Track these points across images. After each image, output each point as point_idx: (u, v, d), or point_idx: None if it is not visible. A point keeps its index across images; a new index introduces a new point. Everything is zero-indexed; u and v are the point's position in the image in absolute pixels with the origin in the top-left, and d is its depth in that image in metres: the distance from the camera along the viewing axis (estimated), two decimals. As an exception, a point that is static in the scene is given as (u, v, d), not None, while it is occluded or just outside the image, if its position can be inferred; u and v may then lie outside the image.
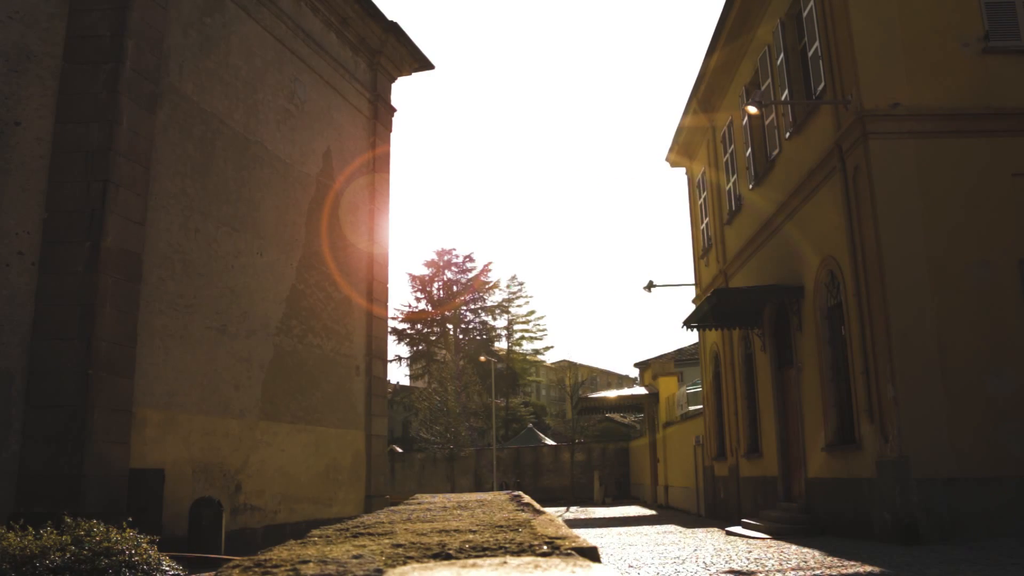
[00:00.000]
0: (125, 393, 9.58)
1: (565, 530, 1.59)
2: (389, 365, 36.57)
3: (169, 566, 5.42)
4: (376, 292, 16.32)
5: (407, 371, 57.42)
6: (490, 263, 61.04)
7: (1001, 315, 10.76)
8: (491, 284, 55.81)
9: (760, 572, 9.11)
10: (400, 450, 43.76)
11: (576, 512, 27.68)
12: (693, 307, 20.41)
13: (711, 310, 15.84)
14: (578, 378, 52.17)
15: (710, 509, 21.14)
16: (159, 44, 10.66)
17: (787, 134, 14.50)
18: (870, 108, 11.19)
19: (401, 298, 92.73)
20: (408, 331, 54.21)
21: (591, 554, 1.26)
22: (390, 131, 17.35)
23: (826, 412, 12.79)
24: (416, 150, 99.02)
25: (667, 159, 23.63)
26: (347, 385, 15.17)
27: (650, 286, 23.05)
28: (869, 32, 11.49)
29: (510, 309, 56.39)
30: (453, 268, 55.57)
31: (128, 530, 5.41)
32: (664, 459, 29.61)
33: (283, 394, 13.07)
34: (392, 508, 3.09)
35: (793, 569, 9.05)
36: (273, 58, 13.47)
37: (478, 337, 55.34)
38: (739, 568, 9.65)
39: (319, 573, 1.12)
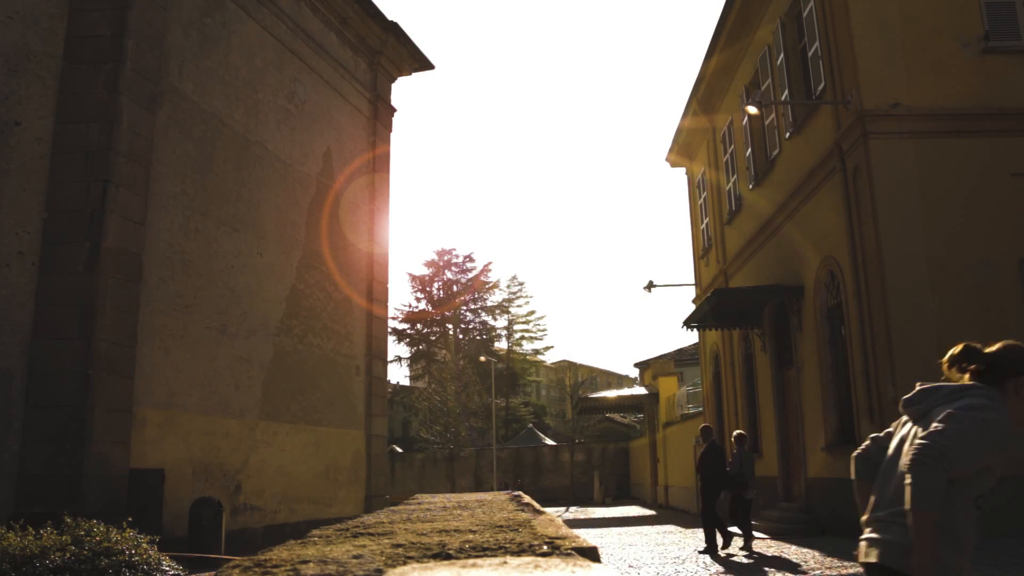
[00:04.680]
0: (125, 393, 9.58)
1: (565, 530, 1.59)
2: (389, 365, 36.53)
3: (169, 566, 5.42)
4: (376, 292, 16.32)
5: (407, 371, 57.41)
6: (490, 263, 61.09)
7: (1001, 315, 10.76)
8: (491, 284, 55.79)
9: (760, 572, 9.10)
10: (400, 450, 43.75)
11: (576, 512, 27.67)
12: (693, 307, 20.42)
13: (711, 310, 15.84)
14: (578, 378, 52.10)
15: (710, 509, 21.11)
16: (159, 44, 10.66)
17: (787, 134, 14.50)
18: (870, 108, 11.20)
19: (401, 298, 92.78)
20: (408, 331, 54.18)
21: (591, 554, 1.26)
22: (390, 131, 17.35)
23: (826, 412, 12.79)
24: (416, 150, 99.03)
25: (667, 159, 23.64)
26: (347, 385, 15.17)
27: (650, 286, 23.06)
28: (869, 32, 11.49)
29: (510, 309, 56.37)
30: (453, 268, 55.54)
31: (128, 530, 5.41)
32: (664, 459, 29.61)
33: (283, 394, 13.07)
34: (392, 508, 3.09)
35: (793, 569, 9.05)
36: (273, 58, 13.47)
37: (478, 337, 55.31)
38: (739, 568, 9.64)
39: (319, 573, 1.12)
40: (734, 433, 12.25)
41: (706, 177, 20.99)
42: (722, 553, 11.38)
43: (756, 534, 13.67)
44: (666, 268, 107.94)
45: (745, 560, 10.61)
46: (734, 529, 12.02)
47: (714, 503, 11.51)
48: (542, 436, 43.72)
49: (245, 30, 12.74)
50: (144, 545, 5.33)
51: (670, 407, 28.86)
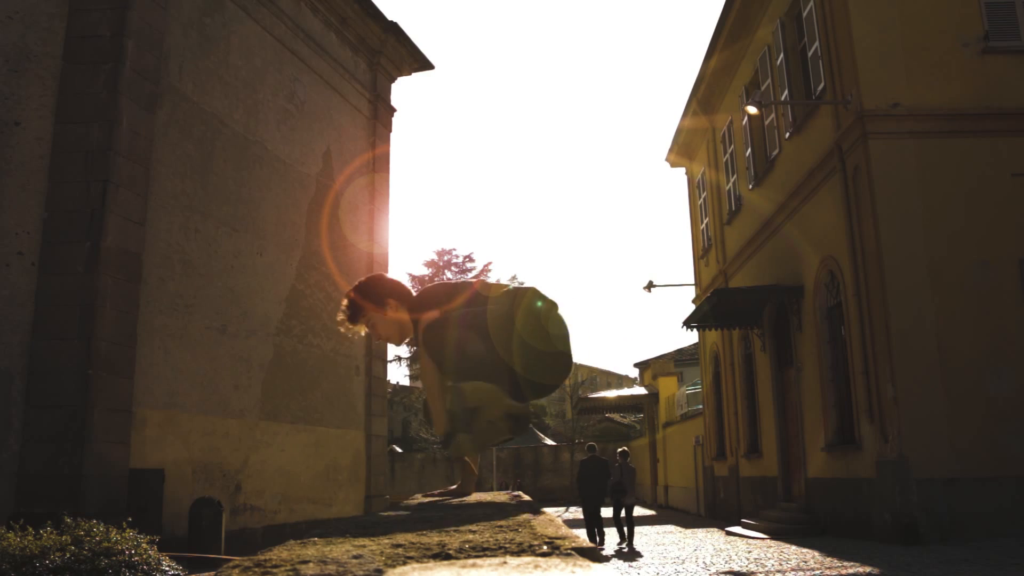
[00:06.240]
0: (125, 393, 9.57)
1: (565, 530, 1.59)
2: (389, 365, 36.50)
3: (169, 566, 5.42)
4: (376, 292, 16.28)
5: (407, 371, 57.34)
6: (490, 263, 60.82)
7: (1001, 315, 10.76)
8: (491, 284, 55.69)
9: (760, 572, 9.11)
10: (400, 450, 43.74)
11: (576, 512, 27.67)
12: (693, 307, 20.42)
13: (711, 310, 15.85)
14: (578, 378, 52.06)
15: (710, 509, 21.15)
16: (159, 44, 10.65)
17: (787, 134, 14.50)
18: (870, 108, 11.20)
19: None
20: (408, 331, 54.06)
21: (591, 554, 1.26)
22: (390, 131, 17.34)
23: (826, 412, 12.80)
24: (416, 150, 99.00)
25: (667, 159, 23.64)
26: (347, 385, 15.17)
27: (650, 286, 23.06)
28: (869, 32, 11.49)
29: (510, 309, 56.26)
30: (453, 268, 55.47)
31: (128, 530, 5.40)
32: (664, 459, 29.63)
33: (283, 394, 13.07)
34: (392, 508, 3.09)
35: (793, 569, 9.05)
36: (273, 58, 13.47)
37: (478, 337, 55.21)
38: (739, 568, 9.66)
39: (319, 573, 1.12)
40: (619, 449, 14.98)
41: (706, 177, 20.99)
42: (606, 549, 13.16)
43: (756, 534, 13.74)
44: (666, 268, 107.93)
45: (626, 550, 12.88)
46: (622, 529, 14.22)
47: (595, 506, 13.67)
48: (542, 436, 43.72)
49: (245, 30, 12.74)
50: (144, 545, 5.33)
51: (670, 407, 28.87)
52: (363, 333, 3.08)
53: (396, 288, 3.03)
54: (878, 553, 9.56)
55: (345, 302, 3.01)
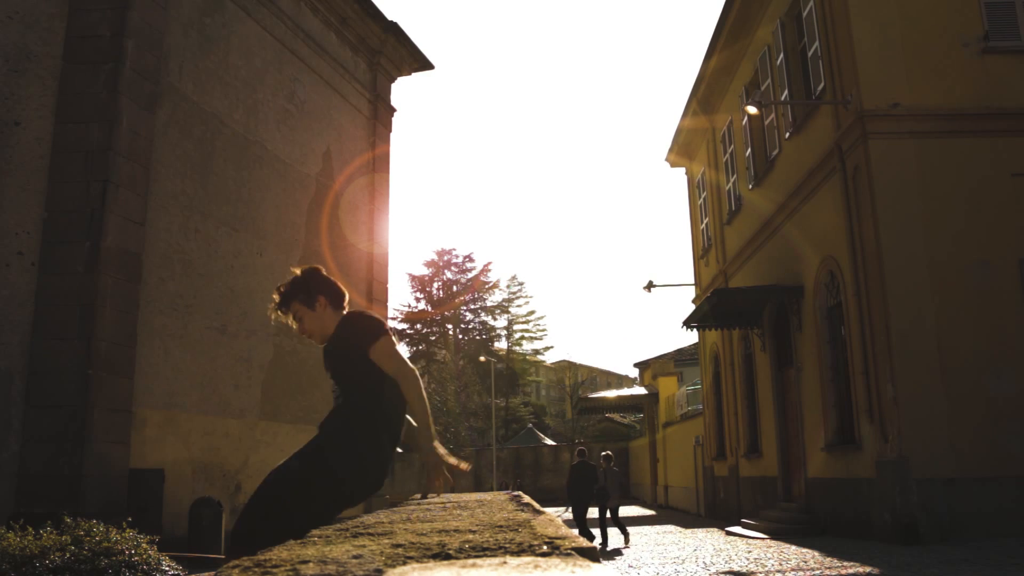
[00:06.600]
0: (125, 393, 9.58)
1: (565, 530, 1.59)
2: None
3: (169, 566, 5.41)
4: (376, 292, 16.31)
5: (407, 371, 57.24)
6: (490, 263, 60.99)
7: (1001, 315, 10.76)
8: (491, 284, 55.75)
9: (760, 572, 9.11)
10: (400, 450, 43.67)
11: (576, 512, 27.67)
12: (693, 307, 20.41)
13: (711, 310, 15.84)
14: (578, 378, 52.23)
15: (710, 509, 21.14)
16: (159, 44, 10.66)
17: (787, 134, 14.50)
18: (870, 108, 11.19)
19: (401, 298, 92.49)
20: (408, 331, 54.15)
21: (591, 554, 1.26)
22: (390, 131, 17.35)
23: (826, 412, 12.79)
24: (416, 150, 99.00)
25: (667, 159, 23.63)
26: (347, 385, 15.17)
27: (650, 286, 23.05)
28: (869, 32, 11.49)
29: (510, 309, 56.33)
30: (453, 268, 55.52)
31: (128, 530, 5.40)
32: (664, 459, 29.63)
33: (283, 394, 13.07)
34: (392, 508, 3.09)
35: (793, 569, 9.05)
36: (273, 58, 13.47)
37: (478, 337, 55.29)
38: (739, 568, 9.66)
39: (319, 573, 1.12)
40: (602, 453, 15.35)
41: (706, 177, 20.99)
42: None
43: (756, 534, 13.76)
44: (666, 268, 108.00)
45: (623, 549, 13.15)
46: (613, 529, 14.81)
47: (583, 510, 14.07)
48: (542, 436, 43.70)
49: (245, 30, 12.74)
50: (144, 545, 5.32)
51: (670, 407, 28.87)
52: (292, 324, 3.15)
53: (329, 286, 3.08)
54: (878, 553, 9.56)
55: (278, 292, 3.04)
